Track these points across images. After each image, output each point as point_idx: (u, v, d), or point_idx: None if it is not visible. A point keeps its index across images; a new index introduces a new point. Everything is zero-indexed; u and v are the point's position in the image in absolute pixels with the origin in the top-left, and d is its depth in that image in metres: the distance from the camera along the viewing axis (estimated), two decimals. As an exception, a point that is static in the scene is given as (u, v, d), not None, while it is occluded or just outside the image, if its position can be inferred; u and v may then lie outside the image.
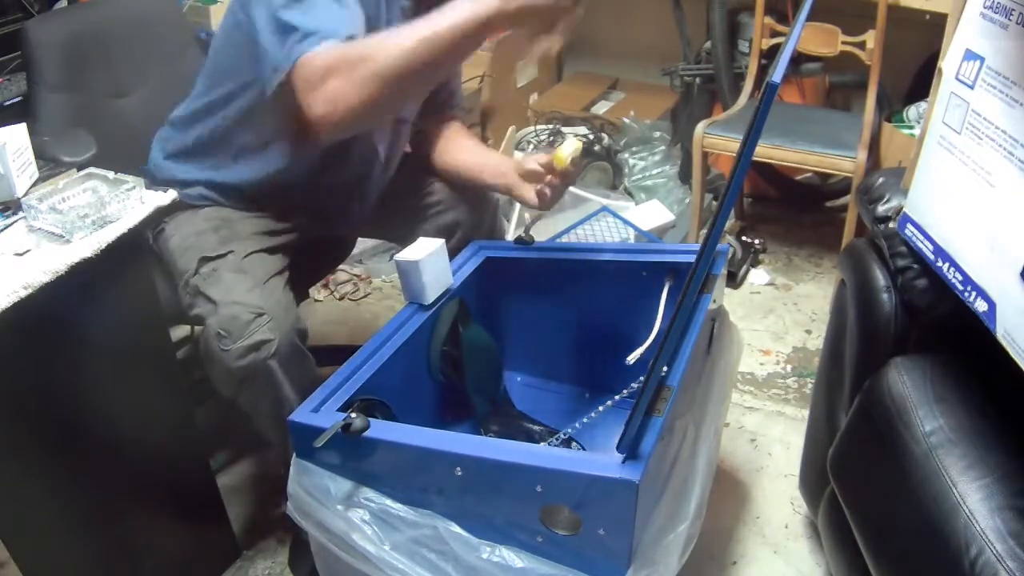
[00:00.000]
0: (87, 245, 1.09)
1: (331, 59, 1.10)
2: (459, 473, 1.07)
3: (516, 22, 1.10)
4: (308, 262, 1.67)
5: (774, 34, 2.40)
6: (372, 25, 1.25)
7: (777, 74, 0.87)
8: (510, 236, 2.34)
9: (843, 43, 2.26)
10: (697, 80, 2.75)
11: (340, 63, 1.09)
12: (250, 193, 1.47)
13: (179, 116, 1.50)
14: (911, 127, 2.33)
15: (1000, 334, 1.05)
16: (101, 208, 1.14)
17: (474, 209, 1.61)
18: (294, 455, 1.18)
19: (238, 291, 1.29)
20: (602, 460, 1.01)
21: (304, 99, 1.12)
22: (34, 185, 1.23)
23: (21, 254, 1.09)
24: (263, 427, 1.38)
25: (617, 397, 1.41)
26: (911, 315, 1.24)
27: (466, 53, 1.18)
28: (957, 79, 1.14)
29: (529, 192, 1.48)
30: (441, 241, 1.42)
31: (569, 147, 1.41)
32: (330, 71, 1.09)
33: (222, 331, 1.24)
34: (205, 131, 1.45)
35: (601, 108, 3.18)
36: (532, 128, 3.03)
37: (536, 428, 1.52)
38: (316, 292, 2.40)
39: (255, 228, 1.45)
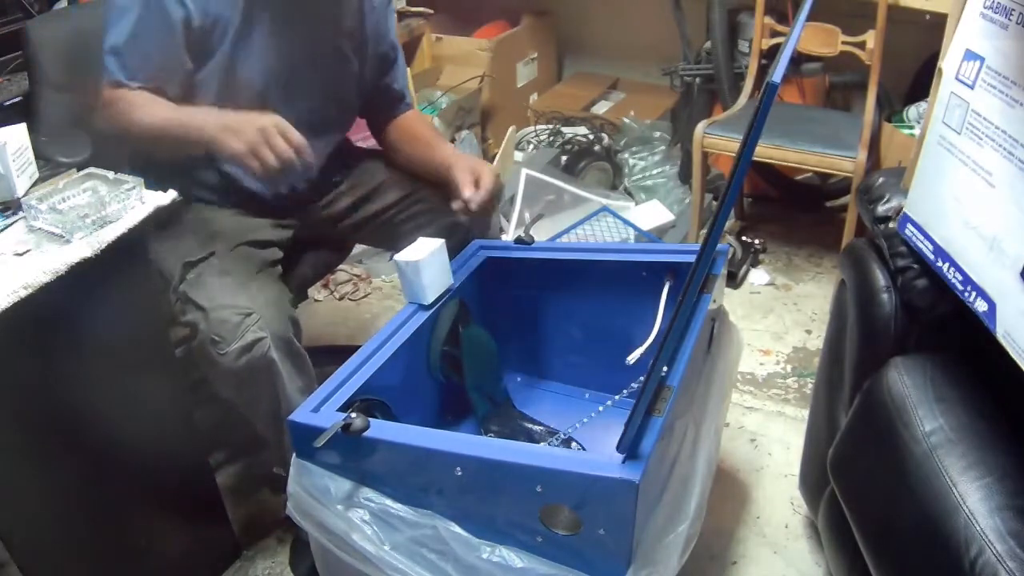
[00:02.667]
0: (87, 245, 1.09)
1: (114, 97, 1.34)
2: (459, 473, 1.07)
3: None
4: (307, 262, 1.67)
5: (774, 34, 2.40)
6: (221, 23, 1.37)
7: (777, 74, 0.87)
8: (510, 236, 2.34)
9: (843, 43, 2.26)
10: (697, 80, 2.75)
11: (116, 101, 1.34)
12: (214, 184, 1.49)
13: None
14: (911, 127, 2.33)
15: (1000, 334, 1.05)
16: (101, 208, 1.14)
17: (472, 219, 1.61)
18: (294, 455, 1.18)
19: (224, 294, 1.29)
20: (602, 460, 1.01)
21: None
22: (34, 185, 1.23)
23: (21, 254, 1.09)
24: (261, 427, 1.38)
25: (617, 397, 1.41)
26: (911, 315, 1.24)
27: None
28: (957, 79, 1.14)
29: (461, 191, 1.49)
30: (441, 241, 1.42)
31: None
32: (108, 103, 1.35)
33: (215, 336, 1.25)
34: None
35: (601, 108, 3.18)
36: (532, 128, 3.03)
37: (536, 428, 1.52)
38: (316, 292, 2.40)
39: (237, 224, 1.45)
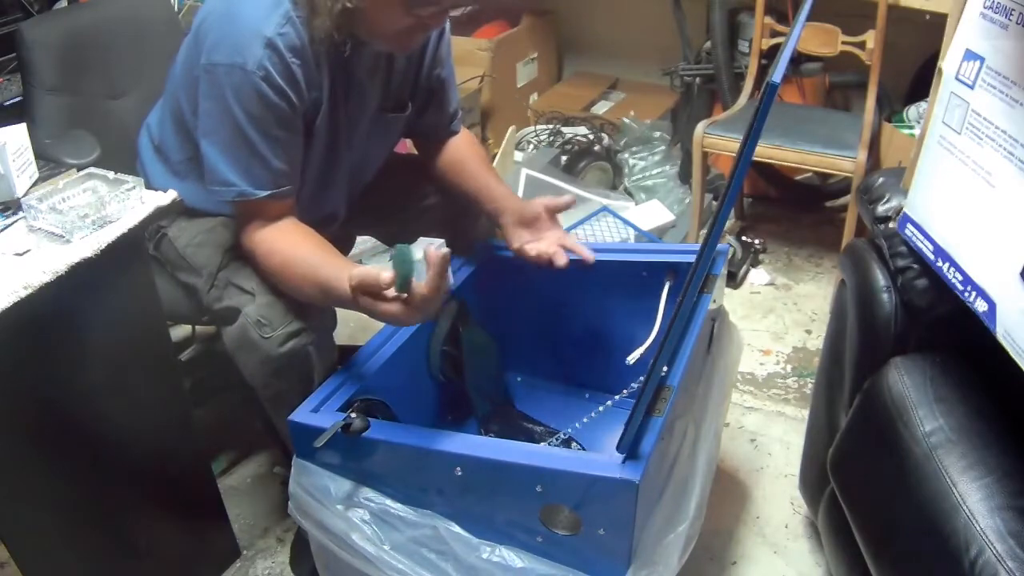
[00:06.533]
0: (87, 245, 1.09)
1: (259, 248, 1.27)
2: (459, 473, 1.07)
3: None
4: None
5: (774, 34, 2.40)
6: (334, 113, 1.33)
7: (777, 74, 0.87)
8: (510, 236, 2.33)
9: (843, 43, 2.26)
10: (697, 80, 2.75)
11: (263, 260, 1.26)
12: None
13: (168, 143, 1.44)
14: (911, 127, 2.33)
15: (1000, 334, 1.05)
16: (101, 208, 1.14)
17: (472, 220, 1.61)
18: (294, 455, 1.18)
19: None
20: (602, 460, 1.01)
21: (240, 232, 1.30)
22: (34, 185, 1.23)
23: (21, 254, 1.09)
24: (283, 421, 1.37)
25: (617, 397, 1.41)
26: (911, 315, 1.24)
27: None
28: (957, 79, 1.14)
29: (518, 242, 1.47)
30: (441, 241, 1.41)
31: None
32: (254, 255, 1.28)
33: (262, 319, 1.24)
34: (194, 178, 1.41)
35: (601, 108, 3.18)
36: (532, 128, 3.03)
37: (536, 428, 1.52)
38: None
39: None
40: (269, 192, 1.24)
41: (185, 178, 1.40)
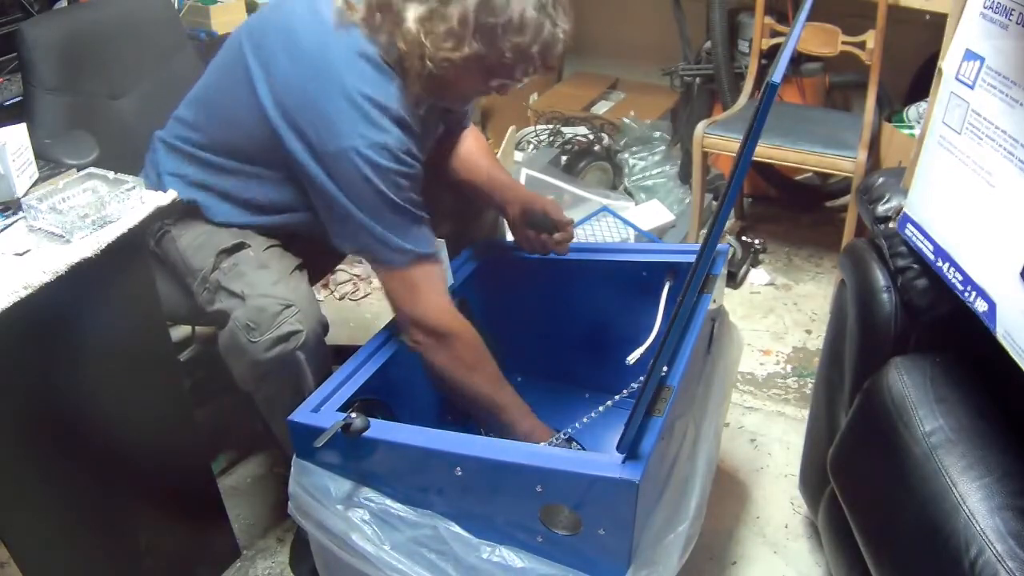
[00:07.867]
0: (87, 245, 1.09)
1: (457, 332, 1.32)
2: (459, 473, 1.07)
3: None
4: (308, 262, 1.67)
5: (774, 34, 2.40)
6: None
7: (777, 74, 0.87)
8: (510, 236, 2.34)
9: (843, 43, 2.26)
10: (697, 80, 2.75)
11: (457, 345, 1.32)
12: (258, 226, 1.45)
13: (179, 144, 1.42)
14: (911, 127, 2.33)
15: (1000, 334, 1.05)
16: (101, 208, 1.14)
17: (473, 219, 1.61)
18: (294, 455, 1.18)
19: (264, 284, 1.29)
20: (602, 460, 1.01)
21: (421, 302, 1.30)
22: (34, 185, 1.23)
23: (21, 254, 1.09)
24: (277, 423, 1.37)
25: (617, 397, 1.41)
26: (911, 315, 1.24)
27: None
28: (957, 79, 1.14)
29: (520, 234, 1.52)
30: (441, 241, 1.41)
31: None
32: (449, 340, 1.31)
33: (251, 323, 1.24)
34: (211, 177, 1.41)
35: (601, 108, 3.18)
36: (532, 128, 3.03)
37: (536, 428, 1.52)
38: (316, 292, 2.39)
39: (267, 230, 1.45)
40: (433, 248, 1.30)
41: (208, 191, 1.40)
